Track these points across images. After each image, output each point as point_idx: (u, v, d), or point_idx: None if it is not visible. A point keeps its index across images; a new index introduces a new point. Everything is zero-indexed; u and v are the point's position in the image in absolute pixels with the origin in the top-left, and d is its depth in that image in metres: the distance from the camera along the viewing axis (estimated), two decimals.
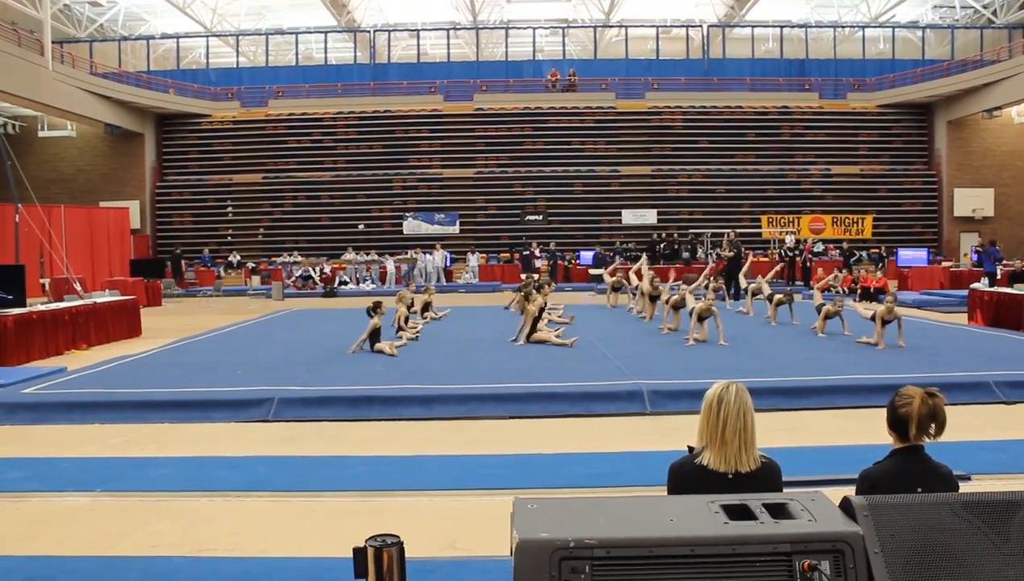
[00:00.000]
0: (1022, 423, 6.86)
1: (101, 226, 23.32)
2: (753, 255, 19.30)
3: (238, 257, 27.12)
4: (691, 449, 2.62)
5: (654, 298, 13.74)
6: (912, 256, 24.48)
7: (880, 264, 25.70)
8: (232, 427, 7.08)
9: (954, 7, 30.32)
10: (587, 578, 1.72)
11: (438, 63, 31.65)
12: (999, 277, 17.79)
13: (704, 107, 28.79)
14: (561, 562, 1.73)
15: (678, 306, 12.03)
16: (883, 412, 2.65)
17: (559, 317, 13.57)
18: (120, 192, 27.93)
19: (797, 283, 21.63)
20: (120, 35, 30.84)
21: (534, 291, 11.47)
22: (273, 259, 27.05)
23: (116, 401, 7.56)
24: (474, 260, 26.02)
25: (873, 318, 10.36)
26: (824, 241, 26.89)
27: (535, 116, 28.78)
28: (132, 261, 22.50)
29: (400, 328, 11.63)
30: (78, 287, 13.91)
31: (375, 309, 10.37)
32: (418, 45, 31.50)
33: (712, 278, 14.98)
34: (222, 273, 25.78)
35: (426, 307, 14.64)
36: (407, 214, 27.98)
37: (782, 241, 25.05)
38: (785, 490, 2.29)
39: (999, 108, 25.86)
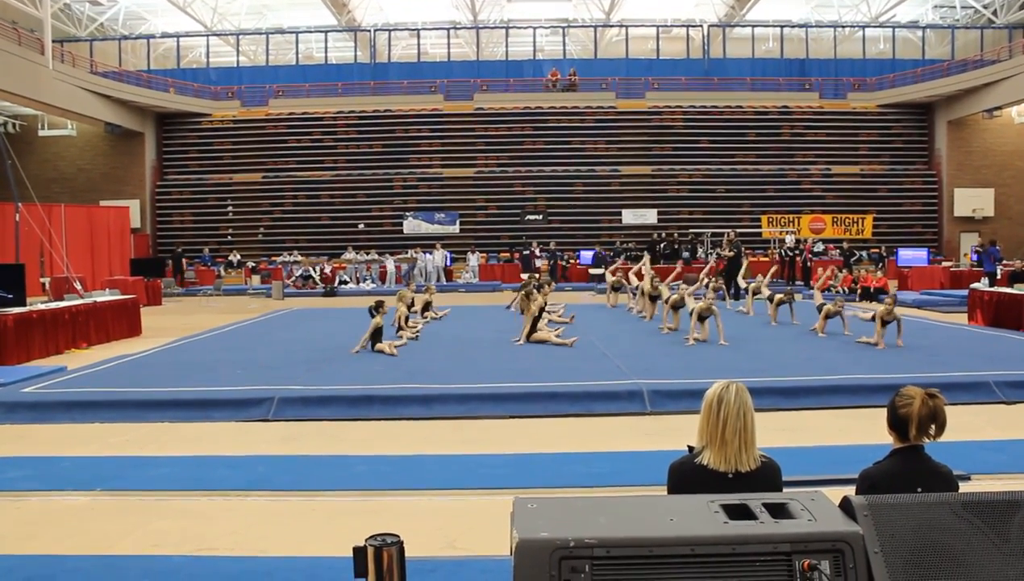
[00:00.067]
0: (1022, 423, 6.86)
1: (101, 225, 23.32)
2: (752, 256, 19.30)
3: (238, 256, 27.12)
4: (691, 449, 2.62)
5: (654, 298, 13.74)
6: (912, 256, 24.47)
7: (880, 264, 25.70)
8: (232, 426, 7.08)
9: (954, 7, 30.31)
10: (587, 577, 1.72)
11: (438, 62, 31.65)
12: (999, 277, 17.79)
13: (704, 107, 28.78)
14: (561, 561, 1.73)
15: (678, 306, 12.03)
16: (883, 412, 2.65)
17: (559, 316, 13.58)
18: (120, 191, 27.93)
19: (797, 283, 21.63)
20: (120, 34, 30.84)
21: (534, 291, 11.47)
22: (273, 258, 27.06)
23: (116, 400, 7.56)
24: (474, 260, 26.02)
25: (873, 318, 10.38)
26: (824, 241, 26.89)
27: (535, 116, 28.78)
28: (132, 260, 22.50)
29: (400, 328, 11.63)
30: (78, 286, 13.92)
31: (377, 308, 10.37)
32: (418, 44, 31.50)
33: (712, 277, 14.98)
34: (222, 272, 25.77)
35: (426, 307, 14.64)
36: (407, 213, 27.98)
37: (782, 241, 25.05)
38: (785, 490, 2.29)
39: (999, 108, 25.86)
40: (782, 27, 31.00)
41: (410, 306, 12.87)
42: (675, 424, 6.75)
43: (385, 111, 29.04)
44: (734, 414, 2.49)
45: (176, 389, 7.91)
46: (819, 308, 11.79)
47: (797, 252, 23.11)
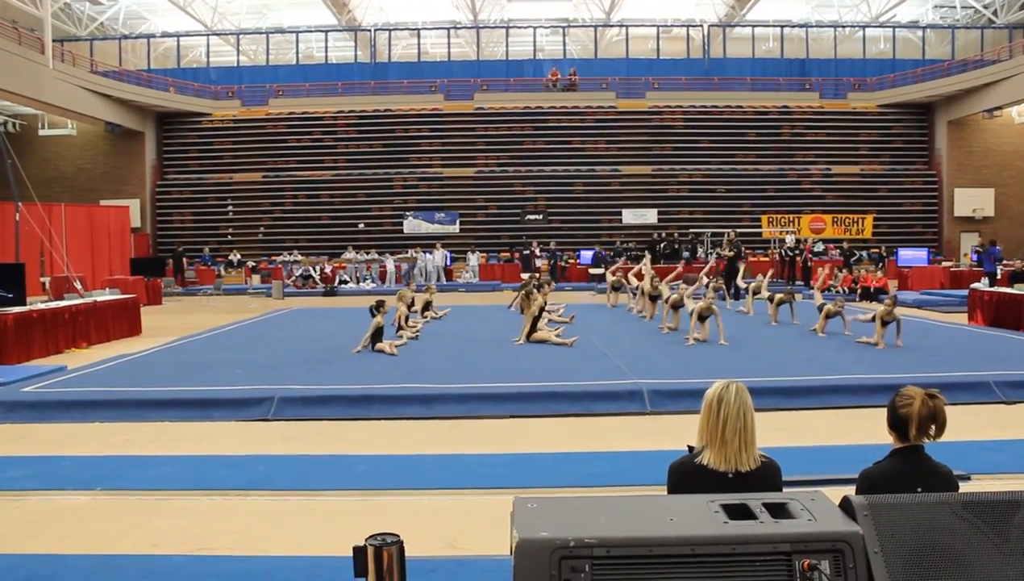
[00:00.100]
0: (1022, 423, 6.87)
1: (101, 225, 23.32)
2: (752, 256, 19.34)
3: (238, 256, 27.11)
4: (691, 448, 2.62)
5: (654, 297, 13.74)
6: (912, 256, 24.47)
7: (880, 264, 25.70)
8: (232, 426, 7.08)
9: (955, 7, 30.30)
10: (587, 577, 1.72)
11: (438, 62, 31.65)
12: (999, 277, 17.78)
13: (705, 107, 28.77)
14: (561, 561, 1.73)
15: (677, 305, 12.03)
16: (883, 412, 2.65)
17: (559, 316, 13.58)
18: (120, 191, 27.93)
19: (797, 283, 21.63)
20: (121, 34, 30.83)
21: (534, 290, 11.47)
22: (273, 258, 27.06)
23: (116, 400, 7.57)
24: (474, 259, 26.01)
25: (873, 319, 10.38)
26: (824, 241, 26.89)
27: (535, 115, 28.77)
28: (132, 260, 22.49)
29: (400, 327, 11.63)
30: (78, 286, 13.92)
31: (378, 308, 10.38)
32: (419, 44, 31.49)
33: (712, 277, 14.98)
34: (222, 272, 25.77)
35: (427, 306, 14.64)
36: (407, 213, 27.97)
37: (782, 241, 25.04)
38: (785, 490, 2.29)
39: (999, 108, 25.86)
40: (782, 27, 30.99)
41: (410, 306, 12.87)
42: (675, 424, 6.75)
43: (385, 111, 29.04)
44: (734, 414, 2.49)
45: (176, 388, 7.91)
46: (819, 308, 11.79)
47: (797, 252, 23.10)
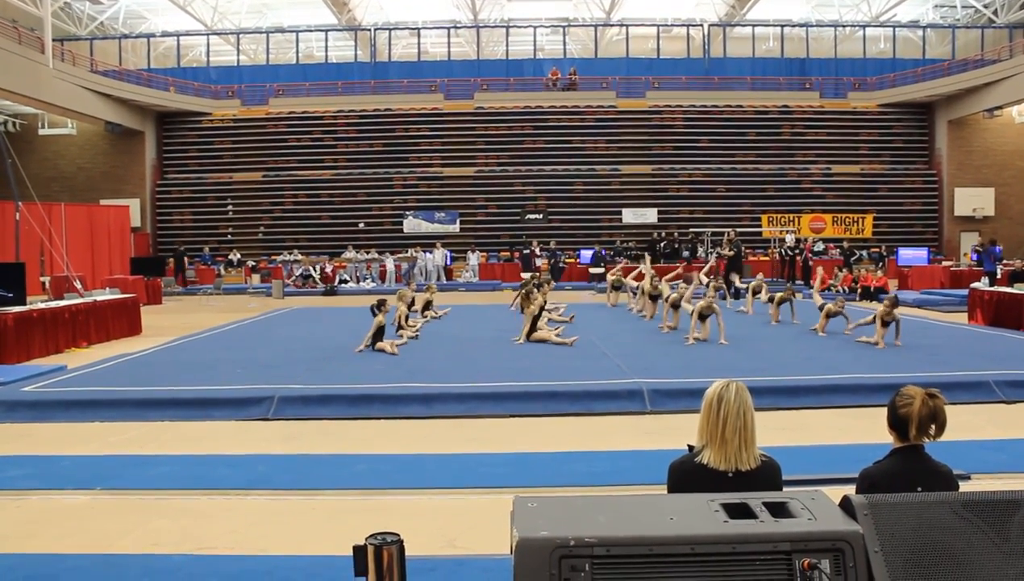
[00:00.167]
0: (1022, 423, 6.87)
1: (101, 224, 23.32)
2: (752, 255, 19.34)
3: (238, 255, 27.12)
4: (691, 448, 2.62)
5: (654, 297, 13.74)
6: (912, 255, 24.47)
7: (880, 263, 25.70)
8: (232, 425, 7.08)
9: (955, 7, 30.30)
10: (587, 576, 1.72)
11: (439, 61, 31.64)
12: (999, 277, 17.76)
13: (705, 106, 28.77)
14: (561, 560, 1.73)
15: (677, 305, 12.02)
16: (883, 411, 2.65)
17: (559, 316, 13.58)
18: (120, 190, 27.93)
19: (797, 282, 21.62)
20: (121, 33, 30.83)
21: (534, 290, 11.47)
22: (273, 257, 27.06)
23: (116, 399, 7.56)
24: (474, 259, 26.01)
25: (873, 319, 10.38)
26: (824, 240, 26.89)
27: (536, 115, 28.77)
28: (132, 259, 22.49)
29: (401, 327, 11.63)
30: (78, 285, 13.91)
31: (379, 307, 10.38)
32: (419, 43, 31.49)
33: (711, 276, 14.98)
34: (222, 271, 25.77)
35: (427, 306, 14.64)
36: (407, 213, 27.97)
37: (782, 240, 25.04)
38: (785, 489, 2.29)
39: (1000, 108, 25.86)
40: (782, 27, 30.99)
41: (410, 305, 12.87)
42: (675, 423, 6.75)
43: (385, 110, 29.04)
44: (734, 413, 2.49)
45: (176, 388, 7.91)
46: (820, 307, 11.79)
47: (797, 251, 23.10)
